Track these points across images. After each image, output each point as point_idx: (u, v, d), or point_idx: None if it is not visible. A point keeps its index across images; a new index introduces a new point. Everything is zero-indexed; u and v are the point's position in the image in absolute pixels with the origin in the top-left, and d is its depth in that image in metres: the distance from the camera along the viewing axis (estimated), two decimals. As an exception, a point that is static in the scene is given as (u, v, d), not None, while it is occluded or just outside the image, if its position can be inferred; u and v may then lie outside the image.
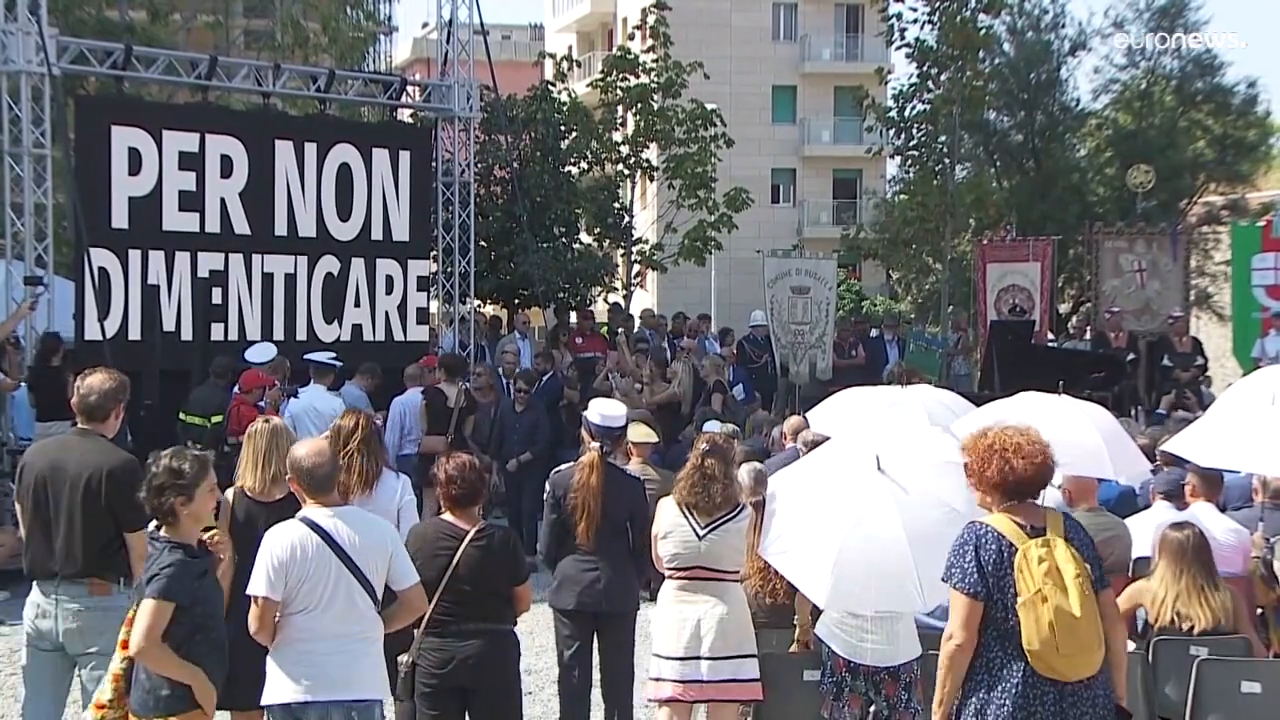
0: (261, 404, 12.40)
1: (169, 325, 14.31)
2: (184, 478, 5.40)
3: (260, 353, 13.55)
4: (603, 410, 7.37)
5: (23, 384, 13.44)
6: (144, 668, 5.23)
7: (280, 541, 5.45)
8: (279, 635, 5.44)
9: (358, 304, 16.57)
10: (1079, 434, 7.92)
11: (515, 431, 13.76)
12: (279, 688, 5.44)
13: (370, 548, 5.49)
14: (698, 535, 6.59)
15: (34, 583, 6.29)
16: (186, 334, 14.48)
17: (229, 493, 6.49)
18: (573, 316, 20.94)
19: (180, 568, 5.24)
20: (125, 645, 5.30)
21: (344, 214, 16.34)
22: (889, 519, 5.79)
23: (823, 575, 5.78)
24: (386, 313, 16.70)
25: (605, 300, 22.90)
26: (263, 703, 5.56)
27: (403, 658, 6.14)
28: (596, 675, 7.37)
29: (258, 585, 5.41)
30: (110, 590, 6.18)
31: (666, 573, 6.75)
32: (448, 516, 6.22)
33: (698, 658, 6.54)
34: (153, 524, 5.46)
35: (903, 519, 5.79)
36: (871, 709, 6.28)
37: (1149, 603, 7.01)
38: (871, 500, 5.89)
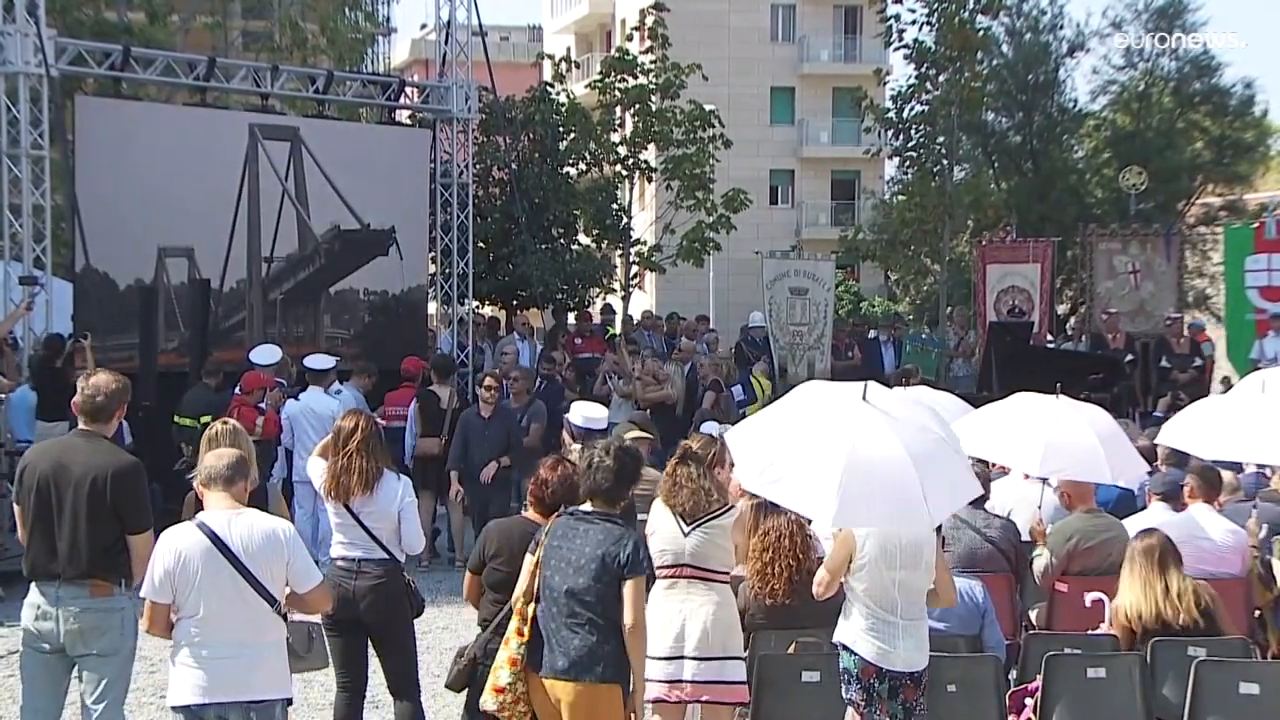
0: (262, 405, 12.40)
1: (166, 326, 14.31)
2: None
3: (265, 354, 13.55)
4: (585, 413, 7.40)
5: (21, 385, 13.43)
6: (595, 630, 5.52)
7: (167, 548, 5.54)
8: (178, 637, 5.55)
9: (357, 304, 16.59)
10: (1075, 437, 7.91)
11: (483, 440, 12.27)
12: (180, 690, 5.56)
13: (266, 551, 5.56)
14: (683, 532, 6.59)
15: (33, 584, 6.29)
16: (184, 335, 14.49)
17: (191, 494, 6.52)
18: (571, 318, 20.95)
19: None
20: (520, 631, 5.64)
21: (343, 214, 16.36)
22: (887, 440, 5.82)
23: (827, 496, 5.73)
24: (385, 312, 16.72)
25: (602, 301, 22.89)
26: (168, 704, 5.68)
27: (464, 648, 6.22)
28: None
29: (146, 588, 5.55)
30: (112, 592, 6.20)
31: (655, 571, 6.74)
32: (532, 515, 6.31)
33: (682, 658, 6.51)
34: (591, 504, 5.71)
35: (900, 440, 5.83)
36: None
37: (1130, 613, 6.95)
38: (865, 425, 5.91)
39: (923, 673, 6.30)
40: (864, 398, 6.07)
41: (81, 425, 6.41)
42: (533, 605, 5.69)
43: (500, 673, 5.65)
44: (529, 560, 5.76)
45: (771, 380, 17.14)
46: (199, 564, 5.47)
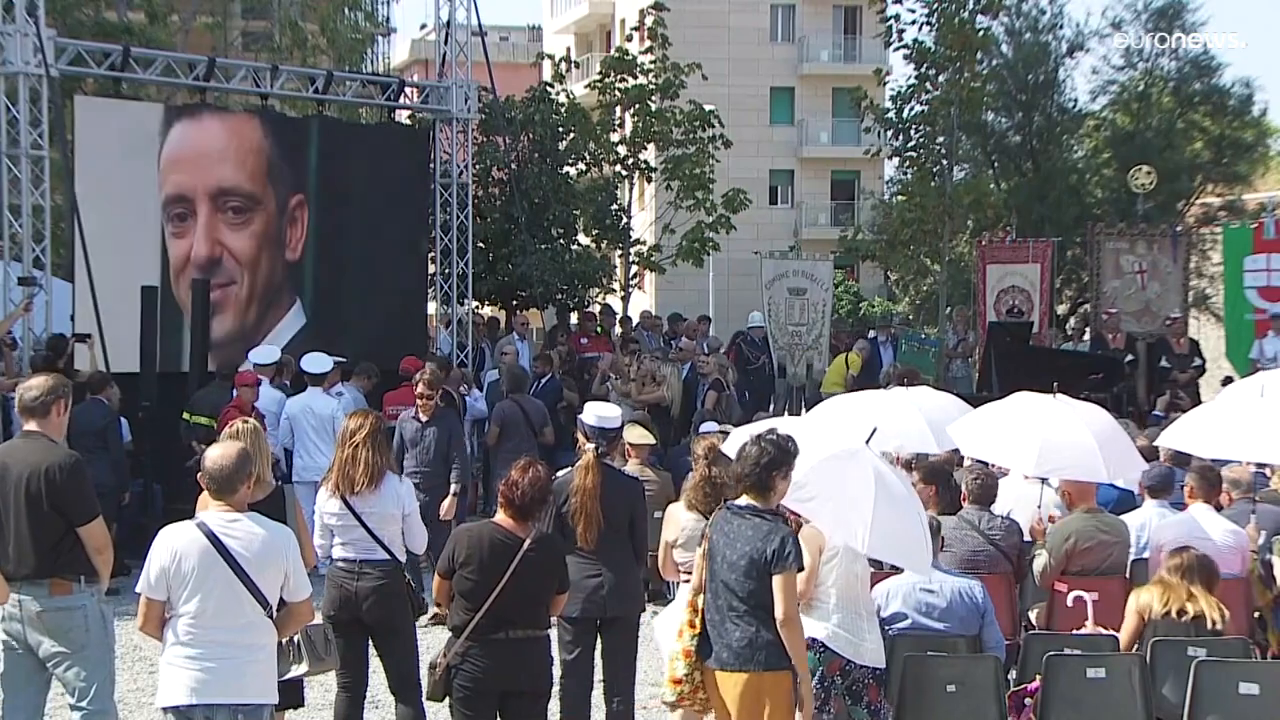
0: (257, 405, 12.36)
1: (166, 326, 14.27)
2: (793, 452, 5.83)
3: (264, 354, 13.55)
4: (599, 412, 7.40)
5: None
6: (754, 620, 5.67)
7: (164, 545, 5.52)
8: (170, 636, 5.53)
9: (356, 305, 16.56)
10: (1072, 436, 7.92)
11: (419, 445, 11.20)
12: (170, 690, 5.52)
13: (264, 556, 5.54)
14: None
15: None
16: (184, 335, 14.47)
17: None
18: (573, 318, 20.93)
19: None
20: (691, 624, 5.84)
21: (342, 215, 16.35)
22: (895, 483, 6.08)
23: (861, 523, 5.98)
24: (385, 313, 16.69)
25: (598, 302, 22.87)
26: (157, 705, 5.66)
27: (437, 659, 6.23)
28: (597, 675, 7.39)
29: (141, 584, 5.53)
30: (71, 589, 6.26)
31: (685, 577, 6.74)
32: (503, 520, 6.26)
33: None
34: (746, 498, 5.79)
35: (901, 483, 6.15)
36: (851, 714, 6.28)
37: (1141, 603, 7.01)
38: (878, 465, 6.20)
39: (884, 672, 6.33)
40: (867, 442, 6.28)
41: (25, 426, 6.48)
42: (701, 597, 5.83)
43: (676, 664, 5.83)
44: (698, 554, 5.91)
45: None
46: (195, 562, 5.45)
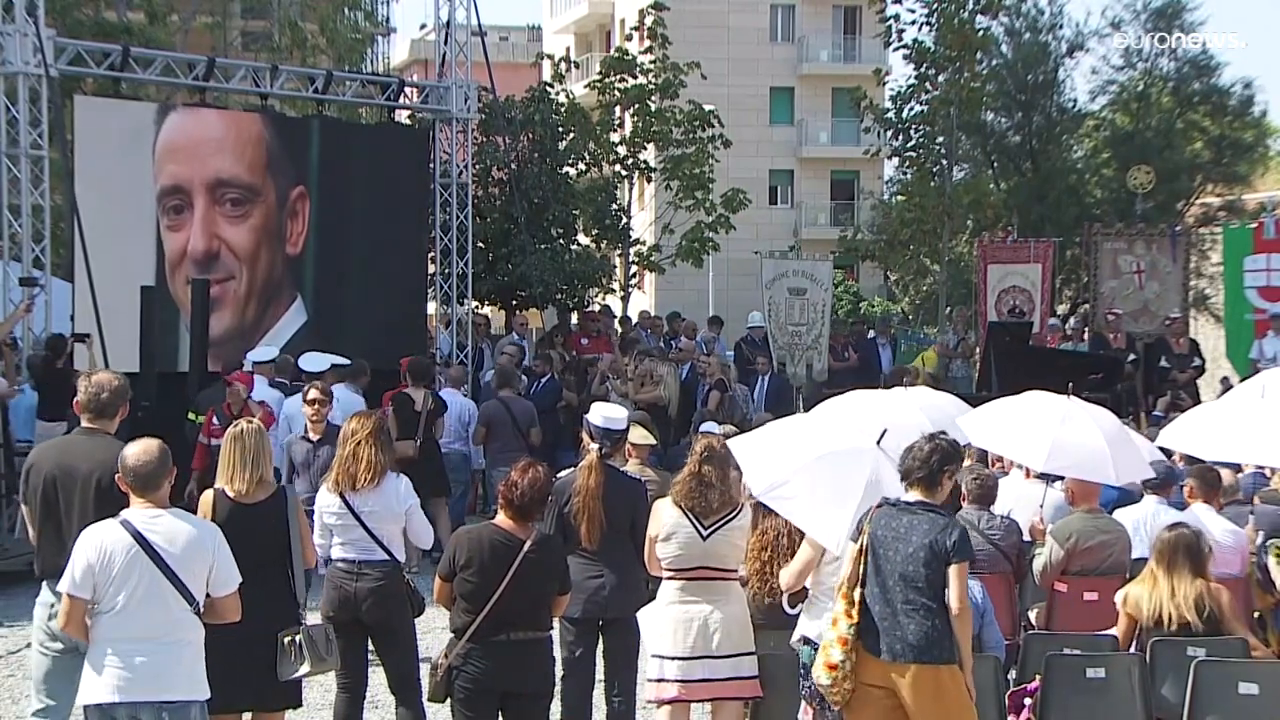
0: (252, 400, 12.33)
1: (162, 323, 14.26)
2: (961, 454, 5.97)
3: (263, 352, 13.54)
4: (605, 413, 7.40)
5: (22, 386, 13.41)
6: (930, 614, 5.74)
7: (90, 543, 5.49)
8: (93, 634, 5.49)
9: (356, 304, 16.56)
10: (1082, 437, 7.91)
11: (309, 469, 9.92)
12: (92, 688, 5.48)
13: (190, 551, 5.52)
14: (702, 536, 6.61)
15: (44, 583, 6.32)
16: (180, 332, 14.46)
17: (208, 494, 6.55)
18: (573, 318, 20.93)
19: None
20: (848, 614, 5.86)
21: (342, 215, 16.35)
22: (894, 488, 6.06)
23: (840, 524, 6.08)
24: (385, 313, 16.68)
25: (598, 302, 22.88)
26: (78, 703, 5.62)
27: (438, 660, 6.24)
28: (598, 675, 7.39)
29: (64, 582, 5.49)
30: None
31: (667, 574, 6.75)
32: (503, 521, 6.26)
33: (704, 657, 6.55)
34: (914, 494, 5.92)
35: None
36: None
37: (1131, 604, 7.00)
38: (879, 466, 6.25)
39: None
40: (879, 443, 6.37)
41: (85, 423, 6.45)
42: (859, 589, 5.87)
43: (832, 651, 5.88)
44: (851, 547, 5.97)
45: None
46: (121, 559, 5.43)
